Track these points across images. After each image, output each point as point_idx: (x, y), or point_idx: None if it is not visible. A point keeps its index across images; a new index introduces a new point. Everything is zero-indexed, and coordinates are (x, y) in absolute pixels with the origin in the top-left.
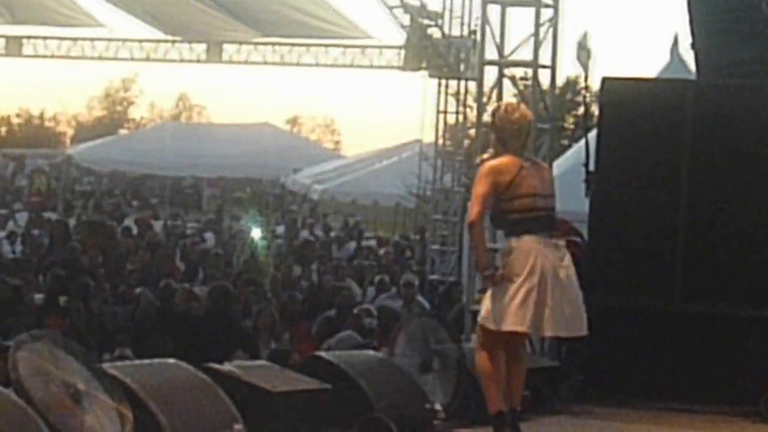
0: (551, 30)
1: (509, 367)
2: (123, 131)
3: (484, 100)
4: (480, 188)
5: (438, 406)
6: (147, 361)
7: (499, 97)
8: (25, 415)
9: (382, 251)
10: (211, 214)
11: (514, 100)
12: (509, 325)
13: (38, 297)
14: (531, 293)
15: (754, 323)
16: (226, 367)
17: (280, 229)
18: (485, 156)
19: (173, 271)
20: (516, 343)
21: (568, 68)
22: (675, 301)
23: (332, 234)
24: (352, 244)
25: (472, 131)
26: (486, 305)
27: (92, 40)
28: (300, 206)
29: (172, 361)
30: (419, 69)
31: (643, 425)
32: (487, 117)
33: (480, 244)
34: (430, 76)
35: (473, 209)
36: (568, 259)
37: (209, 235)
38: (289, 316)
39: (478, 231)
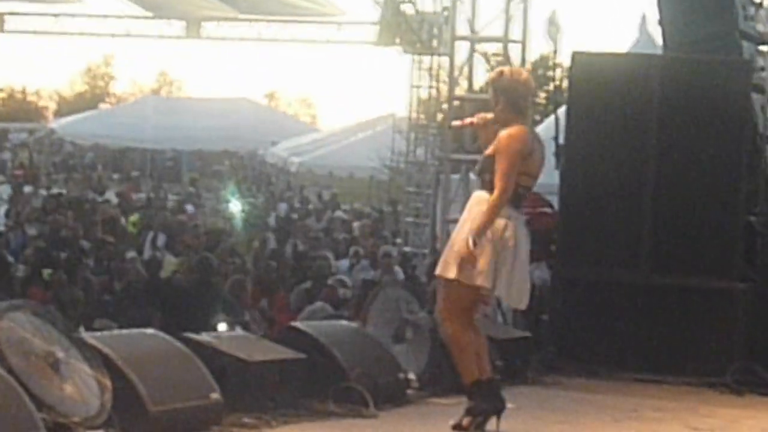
0: (522, 6)
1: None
2: (104, 105)
3: (456, 75)
4: (509, 166)
5: (411, 375)
6: (126, 330)
7: (471, 72)
8: (5, 383)
9: (356, 223)
10: (191, 186)
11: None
12: (479, 281)
13: (21, 269)
14: (499, 256)
15: (721, 295)
16: (203, 336)
17: (258, 201)
18: (484, 115)
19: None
20: (473, 313)
21: (539, 45)
22: (643, 273)
23: (309, 206)
24: (328, 217)
25: (445, 105)
26: (465, 264)
27: (73, 16)
28: (277, 178)
29: (150, 330)
30: (393, 44)
31: (613, 395)
32: (461, 90)
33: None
34: (404, 51)
35: (507, 185)
36: (527, 235)
37: (189, 207)
38: (267, 287)
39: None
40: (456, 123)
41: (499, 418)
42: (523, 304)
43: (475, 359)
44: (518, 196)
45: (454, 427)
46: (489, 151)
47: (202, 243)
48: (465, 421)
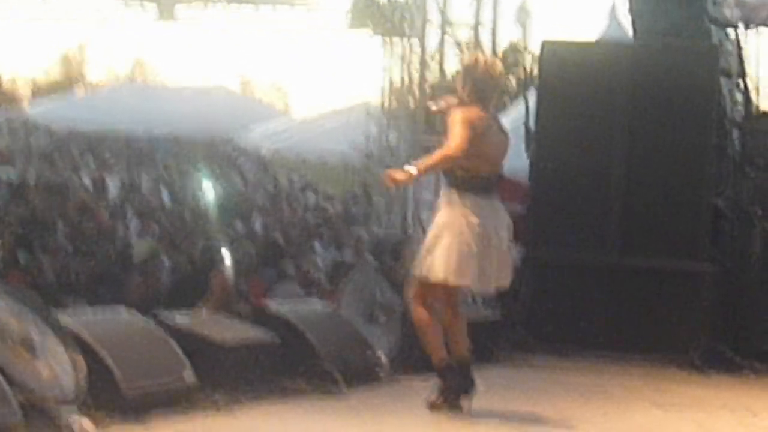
0: None
1: (451, 324)
2: (80, 92)
3: (428, 61)
4: (463, 130)
5: (382, 356)
6: (100, 312)
7: (442, 59)
8: None
9: (329, 207)
10: (165, 171)
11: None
12: (456, 279)
13: None
14: (472, 248)
15: (688, 276)
16: (177, 318)
17: (232, 186)
18: (450, 101)
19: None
20: (456, 299)
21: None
22: (612, 255)
23: (283, 191)
24: (302, 200)
25: (417, 91)
26: (430, 259)
27: (47, 2)
28: (251, 164)
29: (124, 312)
30: (365, 30)
31: (581, 375)
32: (431, 75)
33: (436, 168)
34: (375, 33)
35: (456, 143)
36: (504, 221)
37: (163, 192)
38: (243, 270)
39: (448, 162)
40: (432, 107)
41: (470, 398)
42: (502, 284)
43: (449, 339)
44: (482, 186)
45: (429, 406)
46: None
47: (178, 228)
48: (436, 399)
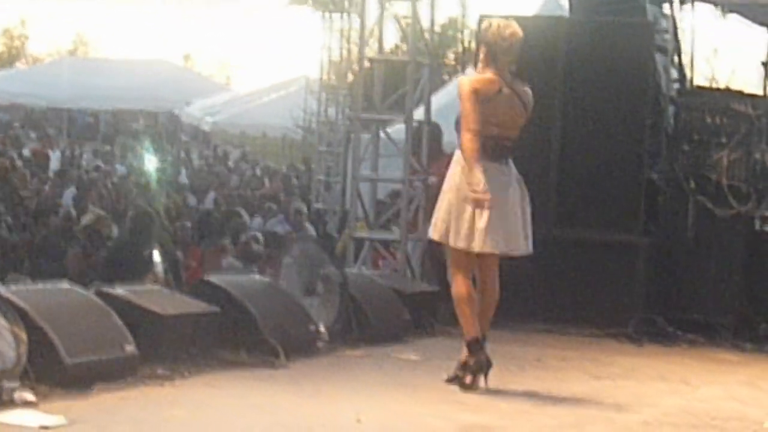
0: None
1: (482, 296)
2: (21, 65)
3: (367, 36)
4: (469, 108)
5: (322, 328)
6: (41, 285)
7: (381, 34)
8: None
9: (269, 181)
10: (107, 145)
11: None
12: (479, 246)
13: None
14: (494, 214)
15: (623, 249)
16: (118, 290)
17: (169, 160)
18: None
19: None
20: (488, 271)
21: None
22: (549, 228)
23: (222, 164)
24: (241, 174)
25: (356, 66)
26: (450, 226)
27: None
28: (192, 138)
29: (65, 285)
30: (305, 6)
31: (517, 346)
32: (371, 51)
33: (472, 167)
34: (315, 8)
35: (466, 136)
36: (517, 185)
37: (106, 166)
38: (181, 244)
39: (475, 142)
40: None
41: (486, 376)
42: (520, 251)
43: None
44: (492, 149)
45: (448, 380)
46: None
47: (122, 201)
48: (468, 379)
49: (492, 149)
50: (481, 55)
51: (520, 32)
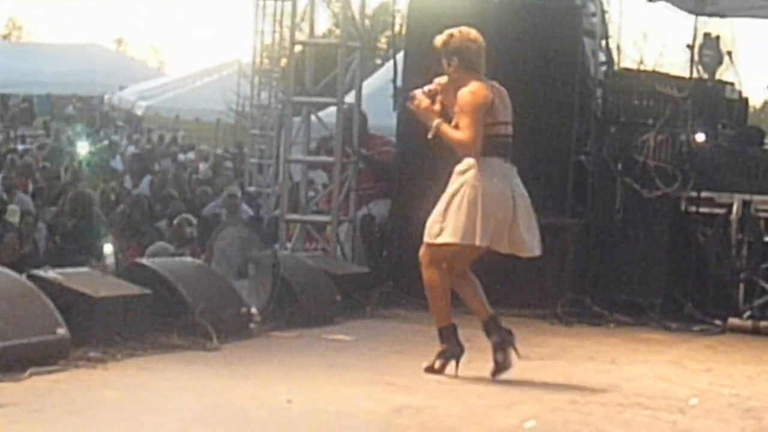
0: None
1: (462, 287)
2: None
3: (298, 20)
4: (474, 119)
5: (254, 310)
6: None
7: (312, 17)
8: None
9: (202, 164)
10: (41, 129)
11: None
12: (480, 240)
13: None
14: (498, 212)
15: (553, 230)
16: (49, 273)
17: (103, 145)
18: (440, 81)
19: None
20: (466, 263)
21: None
22: None
23: (157, 148)
24: (174, 158)
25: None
26: (452, 223)
27: None
28: (125, 122)
29: None
30: None
31: None
32: (302, 36)
33: (448, 141)
34: None
35: (471, 135)
36: (521, 184)
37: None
38: (117, 228)
39: (459, 149)
40: (418, 94)
41: (458, 362)
42: (536, 251)
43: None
44: (502, 146)
45: (427, 369)
46: (455, 110)
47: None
48: (437, 364)
49: (503, 147)
50: (453, 67)
51: (480, 35)
